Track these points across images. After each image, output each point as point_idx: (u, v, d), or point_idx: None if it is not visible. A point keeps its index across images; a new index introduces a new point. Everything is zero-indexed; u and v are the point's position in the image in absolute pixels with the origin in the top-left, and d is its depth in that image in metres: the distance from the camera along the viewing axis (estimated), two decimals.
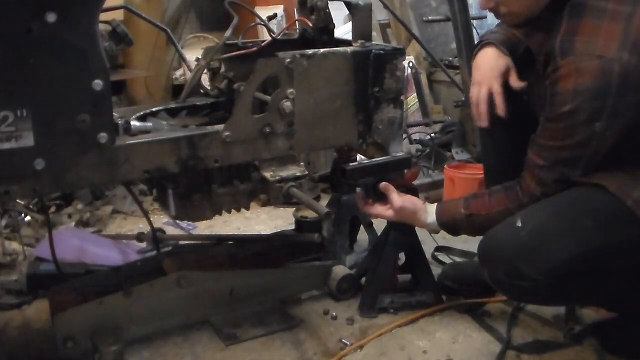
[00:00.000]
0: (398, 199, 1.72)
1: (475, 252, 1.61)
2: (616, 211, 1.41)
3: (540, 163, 1.49)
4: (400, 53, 1.76)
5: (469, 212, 1.65)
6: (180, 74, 3.39)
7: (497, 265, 1.47)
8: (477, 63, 1.75)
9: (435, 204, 1.74)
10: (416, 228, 1.86)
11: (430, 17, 4.03)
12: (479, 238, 1.58)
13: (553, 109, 1.43)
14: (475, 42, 1.97)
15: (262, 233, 2.44)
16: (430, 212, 1.72)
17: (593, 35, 1.38)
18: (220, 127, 1.57)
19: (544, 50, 1.49)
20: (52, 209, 2.55)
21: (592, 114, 1.38)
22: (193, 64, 1.89)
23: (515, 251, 1.43)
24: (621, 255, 1.41)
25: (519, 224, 1.45)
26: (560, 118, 1.41)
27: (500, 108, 1.67)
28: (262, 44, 1.82)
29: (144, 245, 2.01)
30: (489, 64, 1.71)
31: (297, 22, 2.03)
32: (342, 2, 1.86)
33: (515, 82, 1.69)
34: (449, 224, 1.70)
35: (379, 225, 2.04)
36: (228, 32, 1.78)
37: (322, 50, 1.64)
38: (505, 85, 1.69)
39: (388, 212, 1.75)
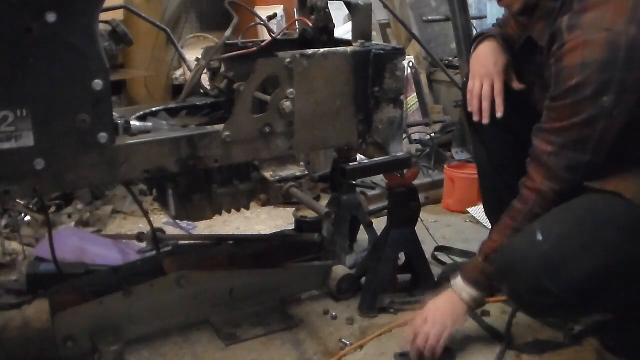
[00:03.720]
0: None
1: (476, 252, 1.61)
2: (635, 218, 1.39)
3: (549, 149, 1.45)
4: (400, 53, 1.76)
5: (484, 256, 1.57)
6: (180, 74, 3.39)
7: (519, 282, 1.42)
8: (479, 55, 1.73)
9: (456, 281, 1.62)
10: (416, 228, 1.87)
11: (430, 17, 4.03)
12: (481, 239, 1.57)
13: (559, 85, 1.40)
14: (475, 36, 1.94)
15: (262, 233, 2.44)
16: (458, 286, 1.60)
17: (601, 11, 1.37)
18: (220, 127, 1.57)
19: (548, 34, 1.47)
20: (52, 209, 2.55)
21: (599, 87, 1.35)
22: (193, 64, 1.89)
23: (538, 267, 1.38)
24: None
25: (540, 237, 1.40)
26: (567, 93, 1.39)
27: (500, 109, 1.66)
28: (262, 44, 1.82)
29: (144, 245, 2.01)
30: (492, 58, 1.69)
31: (297, 22, 2.03)
32: (342, 2, 1.86)
33: (516, 84, 1.68)
34: (480, 280, 1.58)
35: (379, 225, 2.04)
36: (228, 32, 1.78)
37: (322, 50, 1.64)
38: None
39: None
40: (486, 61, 1.70)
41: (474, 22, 3.19)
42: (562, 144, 1.43)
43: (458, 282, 1.61)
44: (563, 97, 1.41)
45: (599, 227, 1.40)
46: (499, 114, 1.66)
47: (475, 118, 1.71)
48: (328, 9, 1.87)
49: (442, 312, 1.60)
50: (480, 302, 1.62)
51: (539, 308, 1.47)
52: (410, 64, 3.76)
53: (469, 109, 1.73)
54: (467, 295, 1.59)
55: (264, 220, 2.65)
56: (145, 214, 1.88)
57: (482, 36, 1.77)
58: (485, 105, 1.68)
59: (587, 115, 1.38)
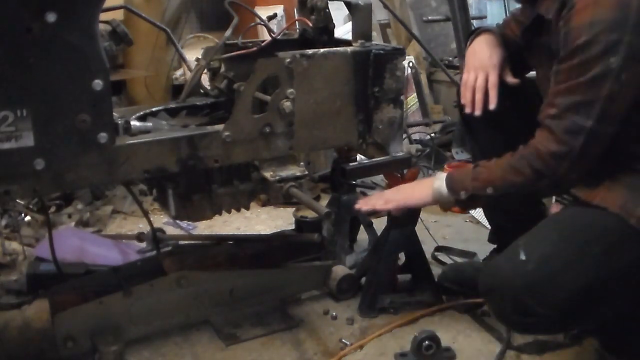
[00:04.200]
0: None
1: (476, 252, 1.61)
2: (621, 232, 1.38)
3: (552, 112, 1.42)
4: (400, 53, 1.76)
5: (474, 165, 1.60)
6: (180, 74, 3.39)
7: (503, 302, 1.42)
8: (475, 49, 1.72)
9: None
10: (416, 228, 1.86)
11: (430, 17, 4.04)
12: (481, 239, 1.57)
13: (567, 46, 1.38)
14: (471, 30, 1.92)
15: (262, 233, 2.44)
16: (437, 177, 1.66)
17: None
18: (220, 127, 1.57)
19: (556, 5, 1.44)
20: (52, 209, 2.55)
21: (607, 46, 1.32)
22: (193, 64, 1.89)
23: (522, 287, 1.37)
24: (630, 277, 1.38)
25: (523, 256, 1.39)
26: (574, 53, 1.37)
27: (493, 102, 1.64)
28: (262, 44, 1.82)
29: (144, 245, 2.01)
30: (487, 51, 1.69)
31: (297, 22, 2.03)
32: (342, 2, 1.86)
33: (509, 78, 1.67)
34: (456, 182, 1.60)
35: (379, 225, 2.04)
36: (228, 32, 1.78)
37: (322, 50, 1.64)
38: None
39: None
40: (481, 54, 1.69)
41: (474, 22, 3.19)
42: (566, 106, 1.39)
43: (439, 175, 1.65)
44: (570, 57, 1.38)
45: (582, 245, 1.38)
46: (492, 106, 1.64)
47: (467, 110, 1.69)
48: (328, 9, 1.87)
49: (411, 187, 1.74)
50: (444, 204, 1.67)
51: (523, 326, 1.47)
52: (410, 64, 3.77)
53: (462, 101, 1.70)
54: (439, 187, 1.61)
55: (264, 220, 2.65)
56: (145, 214, 1.88)
57: (479, 30, 1.76)
58: (478, 97, 1.65)
59: (593, 74, 1.34)
